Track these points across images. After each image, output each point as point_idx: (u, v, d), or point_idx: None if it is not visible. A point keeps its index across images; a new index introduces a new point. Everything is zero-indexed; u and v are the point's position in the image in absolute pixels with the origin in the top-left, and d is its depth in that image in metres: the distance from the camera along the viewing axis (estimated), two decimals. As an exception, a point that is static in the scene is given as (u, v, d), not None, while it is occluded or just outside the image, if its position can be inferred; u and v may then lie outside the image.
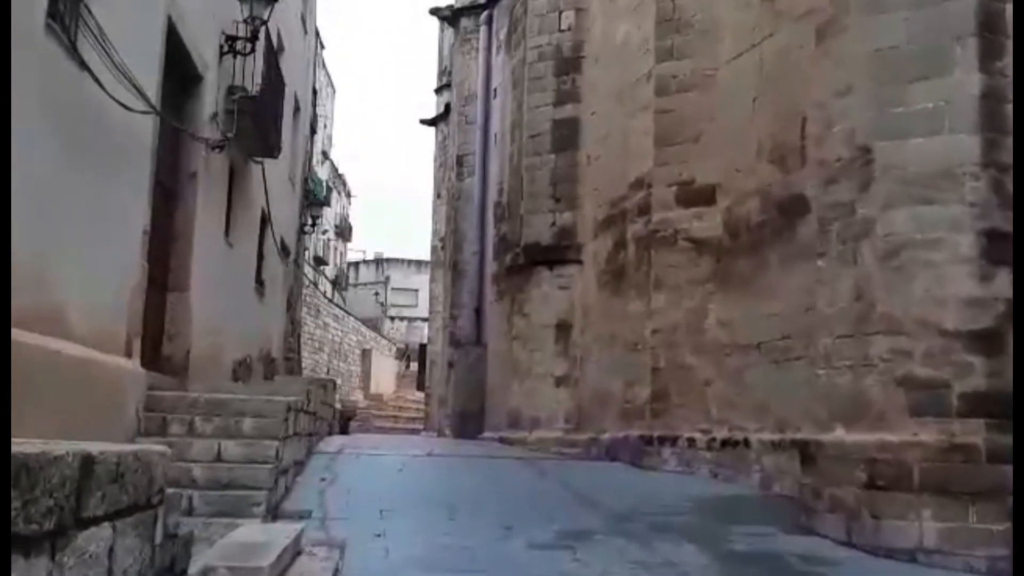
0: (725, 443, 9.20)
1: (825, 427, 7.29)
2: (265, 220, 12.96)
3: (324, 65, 41.32)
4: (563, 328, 13.03)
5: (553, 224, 13.46)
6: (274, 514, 6.30)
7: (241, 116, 9.54)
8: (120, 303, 6.52)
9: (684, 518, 6.87)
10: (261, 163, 11.63)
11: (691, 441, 9.57)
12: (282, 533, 5.00)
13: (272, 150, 11.30)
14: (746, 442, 8.88)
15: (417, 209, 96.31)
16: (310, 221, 18.79)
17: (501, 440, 13.50)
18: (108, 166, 6.17)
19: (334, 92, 45.48)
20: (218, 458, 6.15)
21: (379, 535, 5.88)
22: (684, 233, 10.09)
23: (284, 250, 15.56)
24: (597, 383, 12.15)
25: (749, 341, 9.15)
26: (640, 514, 6.93)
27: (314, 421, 9.94)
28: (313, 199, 18.85)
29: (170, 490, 3.11)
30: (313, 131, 38.38)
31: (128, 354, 6.58)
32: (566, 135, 13.62)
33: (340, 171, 48.33)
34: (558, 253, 13.27)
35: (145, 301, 7.20)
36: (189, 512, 5.63)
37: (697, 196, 10.09)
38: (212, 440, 6.26)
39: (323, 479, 7.86)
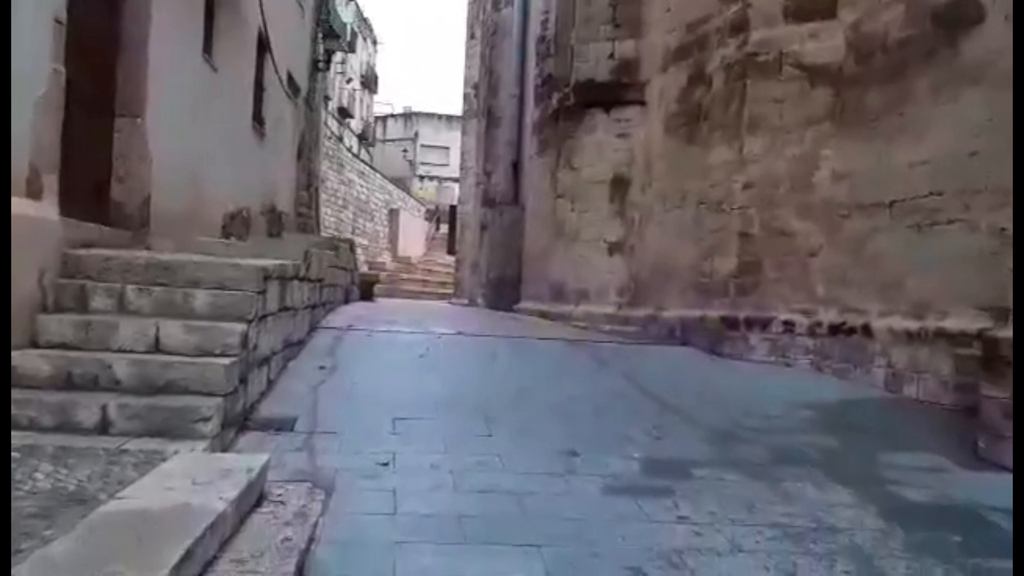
0: (835, 329, 7.21)
1: (1003, 316, 5.26)
2: (264, 44, 10.70)
3: None
4: (620, 184, 10.88)
5: (612, 56, 11.06)
6: (241, 424, 4.47)
7: None
8: (21, 123, 4.49)
9: (812, 438, 4.95)
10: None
11: (788, 325, 7.58)
12: (230, 476, 3.15)
13: (264, -53, 8.95)
14: (866, 329, 6.87)
15: (450, 61, 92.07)
16: (325, 57, 16.36)
17: (541, 315, 11.65)
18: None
19: (359, -73, 41.58)
20: (155, 347, 4.28)
21: (385, 464, 4.03)
22: (793, 57, 7.74)
23: (293, 87, 13.33)
24: (660, 251, 10.10)
25: (877, 199, 6.98)
26: (749, 430, 5.02)
27: (319, 290, 8.06)
28: (329, 31, 16.36)
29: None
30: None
31: (34, 195, 4.61)
32: (630, -55, 11.03)
33: (365, 15, 44.96)
34: (617, 92, 10.95)
35: (72, 125, 5.18)
36: (103, 430, 3.80)
37: (812, 7, 7.68)
38: (148, 320, 4.37)
39: (322, 367, 6.03)
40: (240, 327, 4.43)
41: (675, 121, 9.95)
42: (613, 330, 10.14)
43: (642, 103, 10.71)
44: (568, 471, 4.10)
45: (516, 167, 16.07)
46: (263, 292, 4.93)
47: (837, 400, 6.07)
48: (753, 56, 7.93)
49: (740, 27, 8.13)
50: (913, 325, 6.43)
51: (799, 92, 7.69)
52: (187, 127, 7.71)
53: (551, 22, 13.72)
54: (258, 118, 10.73)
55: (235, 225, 9.22)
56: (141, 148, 6.50)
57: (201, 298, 4.52)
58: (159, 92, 6.71)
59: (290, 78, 12.98)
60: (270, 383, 5.33)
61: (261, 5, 9.83)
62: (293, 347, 6.41)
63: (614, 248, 10.85)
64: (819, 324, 7.37)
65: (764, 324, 7.69)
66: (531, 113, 14.87)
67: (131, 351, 4.20)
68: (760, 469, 4.31)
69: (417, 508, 3.51)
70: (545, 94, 13.54)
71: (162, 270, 4.67)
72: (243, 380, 4.47)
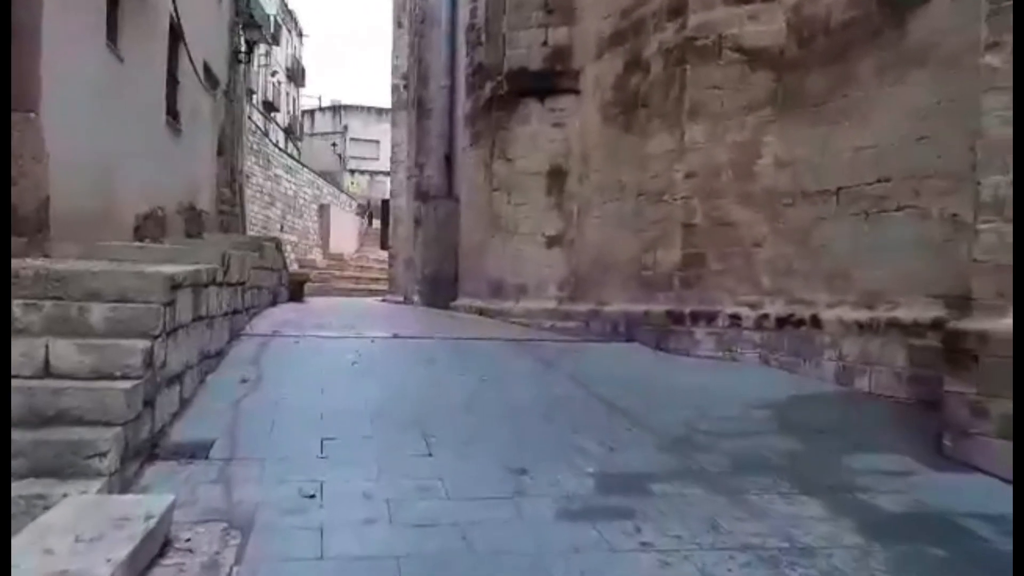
0: (782, 321, 7.00)
1: (957, 305, 5.08)
2: (176, 33, 10.03)
3: None
4: (557, 175, 10.55)
5: (545, 43, 10.71)
6: (148, 453, 3.97)
7: None
8: None
9: (771, 441, 4.69)
10: (158, -52, 8.64)
11: (734, 318, 7.35)
12: (125, 527, 2.69)
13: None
14: (814, 320, 6.68)
15: (378, 52, 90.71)
16: (246, 48, 15.63)
17: (480, 312, 11.26)
18: None
19: (279, -86, 40.36)
20: (44, 371, 3.75)
21: (311, 496, 3.59)
22: (732, 41, 7.50)
23: (211, 79, 12.63)
24: (600, 244, 9.81)
25: (822, 186, 6.78)
26: (705, 435, 4.73)
27: (240, 294, 7.52)
28: (250, 20, 15.63)
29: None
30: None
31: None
32: (561, -74, 10.68)
33: (290, 6, 43.77)
34: (551, 80, 10.60)
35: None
36: (-21, 471, 3.27)
37: (752, -11, 7.44)
38: (37, 340, 3.84)
39: (244, 380, 5.53)
40: (143, 344, 3.92)
41: (612, 110, 9.66)
42: (555, 327, 9.80)
43: (577, 92, 10.38)
44: (517, 492, 3.72)
45: (449, 160, 15.59)
46: (171, 303, 4.42)
47: (789, 396, 5.83)
48: (692, 40, 7.67)
49: (678, 10, 7.85)
50: (863, 316, 6.26)
51: (739, 77, 7.45)
52: (92, 122, 7.09)
53: (480, 9, 13.30)
54: (172, 112, 10.06)
55: (149, 227, 8.59)
56: (36, 146, 5.89)
57: (99, 312, 3.99)
58: (56, 84, 6.10)
59: (207, 69, 12.28)
60: (184, 402, 4.83)
61: (171, -10, 9.18)
62: (211, 359, 5.89)
63: (553, 241, 10.52)
64: (766, 317, 7.16)
65: (710, 318, 7.44)
66: (463, 104, 14.42)
67: (16, 376, 3.66)
68: (722, 480, 4.01)
69: (348, 548, 3.09)
70: (477, 84, 13.13)
71: (54, 282, 4.13)
72: (149, 403, 3.98)
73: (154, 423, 4.12)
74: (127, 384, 3.67)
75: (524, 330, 9.18)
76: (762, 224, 7.30)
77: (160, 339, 4.17)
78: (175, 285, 4.50)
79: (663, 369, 6.74)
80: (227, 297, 6.67)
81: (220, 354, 6.30)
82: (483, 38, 12.77)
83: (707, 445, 4.55)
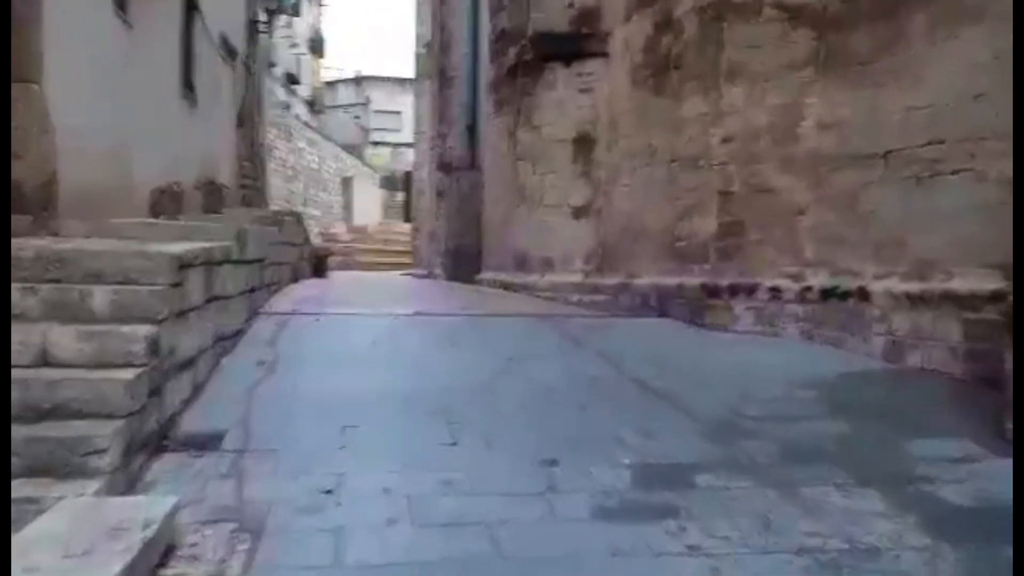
0: (827, 294, 6.62)
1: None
2: (191, 2, 9.73)
3: None
4: (584, 143, 10.16)
5: (571, 5, 10.28)
6: (156, 445, 3.73)
7: None
8: None
9: (821, 425, 4.35)
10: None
11: (775, 291, 6.97)
12: (121, 537, 2.43)
13: None
14: (862, 293, 6.29)
15: (400, 21, 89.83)
16: (264, 17, 15.29)
17: (504, 286, 10.97)
18: None
19: None
20: (42, 360, 3.50)
21: (329, 491, 3.33)
22: (772, -3, 7.06)
23: (228, 50, 12.33)
24: (629, 213, 9.43)
25: (870, 150, 6.36)
26: (749, 419, 4.40)
27: (259, 271, 7.28)
28: (266, -11, 15.29)
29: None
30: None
31: None
32: None
33: (309, -23, 43.17)
34: (577, 44, 10.18)
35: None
36: (-31, 470, 3.04)
37: (792, -59, 6.98)
38: (35, 327, 3.59)
39: (260, 362, 5.28)
40: (147, 329, 3.65)
41: (641, 73, 9.24)
42: (582, 301, 9.50)
43: (605, 55, 9.95)
44: (549, 488, 3.43)
45: (472, 130, 15.24)
46: (179, 284, 4.15)
47: (837, 374, 5.48)
48: (728, -4, 7.22)
49: (713, -35, 7.40)
50: (915, 287, 5.86)
51: (780, 35, 7.00)
52: (101, 93, 6.82)
53: (504, -28, 12.88)
54: (188, 83, 9.78)
55: (165, 202, 8.35)
56: (40, 118, 5.63)
57: (100, 296, 3.73)
58: (59, 53, 5.82)
59: (224, 40, 11.98)
60: (197, 388, 4.59)
61: (182, -44, 8.84)
62: (227, 340, 5.65)
63: (580, 212, 10.16)
64: (809, 289, 6.77)
65: (749, 291, 7.08)
66: (486, 71, 14.03)
67: (13, 366, 3.42)
68: (771, 471, 3.69)
69: (367, 555, 2.82)
70: (500, 50, 12.73)
71: (54, 263, 3.87)
72: (155, 392, 3.72)
73: (163, 412, 3.88)
74: (129, 374, 3.41)
75: (550, 305, 8.88)
76: (804, 191, 6.89)
77: (167, 323, 3.91)
78: (184, 265, 4.23)
79: (699, 346, 6.41)
80: (244, 275, 6.42)
81: (238, 334, 6.07)
82: (506, 2, 12.36)
83: (753, 430, 4.23)
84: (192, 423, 4.08)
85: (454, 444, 3.90)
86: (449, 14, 16.37)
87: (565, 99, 10.25)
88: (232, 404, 4.38)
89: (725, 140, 7.25)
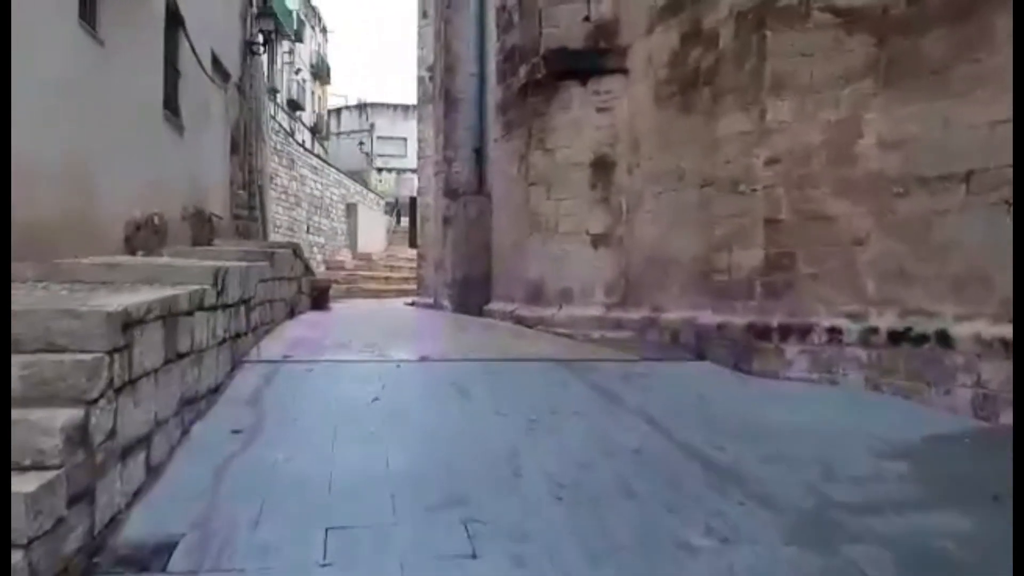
0: (897, 337, 5.73)
1: None
2: (175, 18, 8.95)
3: None
4: (602, 166, 9.37)
5: (587, 18, 9.52)
6: (84, 567, 2.84)
7: None
8: None
9: (934, 518, 3.43)
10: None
11: (833, 332, 6.09)
12: None
13: None
14: (942, 337, 5.41)
15: (404, 48, 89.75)
16: (262, 38, 14.54)
17: (517, 320, 10.11)
18: None
19: (300, -93, 39.40)
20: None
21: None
22: (823, 0, 6.23)
23: (220, 71, 11.55)
24: (654, 241, 8.62)
25: (946, 170, 5.51)
26: (842, 509, 3.49)
27: (243, 314, 6.42)
28: (264, 9, 14.56)
29: None
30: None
31: None
32: None
33: (313, 2, 42.82)
34: (594, 60, 9.42)
35: None
36: None
37: (846, -65, 6.16)
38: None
39: (237, 431, 4.40)
40: (69, 416, 2.78)
41: (666, 89, 8.45)
42: (604, 337, 8.65)
43: (625, 71, 9.20)
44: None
45: (479, 153, 14.46)
46: (123, 348, 3.28)
47: (924, 438, 4.59)
48: (773, 1, 6.39)
49: (754, -35, 6.58)
50: (1008, 331, 4.98)
51: (833, 42, 6.17)
52: (62, 114, 6.01)
53: (513, -15, 12.15)
54: (172, 106, 8.97)
55: (142, 237, 7.51)
56: (-18, 144, 4.80)
57: (13, 370, 2.88)
58: (17, 72, 4.99)
59: (216, 61, 11.21)
60: (154, 471, 3.71)
61: (163, -33, 8.05)
62: (201, 400, 4.78)
63: (599, 240, 9.35)
64: (874, 331, 5.88)
65: (803, 332, 6.19)
66: (493, 92, 13.28)
67: None
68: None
69: None
70: (508, 70, 12.00)
71: (-41, 324, 3.02)
72: (82, 496, 2.85)
73: (97, 519, 2.99)
74: (34, 483, 2.52)
75: (571, 345, 7.99)
76: (865, 217, 6.03)
77: (103, 401, 3.04)
78: (130, 323, 3.36)
79: (754, 400, 5.51)
80: (224, 321, 5.56)
81: (216, 390, 5.21)
82: (515, 18, 11.61)
83: (851, 528, 3.32)
84: (139, 526, 3.19)
85: (473, 556, 3.00)
86: (454, 34, 15.63)
87: (581, 119, 9.47)
88: (193, 495, 3.49)
89: (771, 161, 6.40)
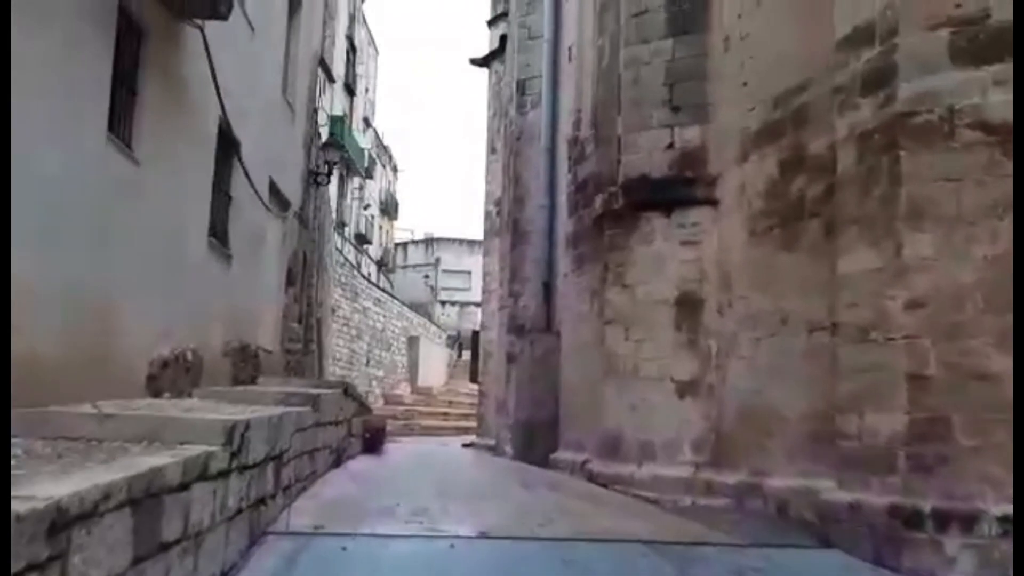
0: (1099, 535, 4.37)
1: None
2: (229, 142, 8.41)
3: (365, 21, 37.17)
4: (688, 305, 8.33)
5: (671, 146, 8.71)
6: None
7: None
8: None
9: None
10: (202, 29, 6.93)
11: (1009, 523, 4.74)
12: None
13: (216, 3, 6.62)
14: None
15: (471, 185, 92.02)
16: (326, 169, 14.18)
17: (589, 476, 8.91)
18: None
19: (376, 53, 41.11)
20: None
21: None
22: (972, 114, 5.21)
23: (278, 199, 11.04)
24: (750, 392, 7.46)
25: None
26: None
27: (273, 473, 5.39)
28: (330, 140, 14.28)
29: None
30: (352, 92, 34.15)
31: None
32: (688, 9, 8.89)
33: (385, 142, 43.98)
34: (679, 190, 8.55)
35: None
36: None
37: (997, 43, 5.21)
38: None
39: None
40: None
41: (763, 222, 7.49)
42: (695, 504, 7.42)
43: (714, 203, 8.30)
44: None
45: (548, 288, 13.59)
46: (51, 559, 2.25)
47: None
48: (906, 117, 5.40)
49: (881, 80, 5.62)
50: None
51: (986, 164, 5.13)
52: (80, 238, 5.27)
53: (585, 118, 11.63)
54: (219, 233, 8.31)
55: (169, 375, 6.64)
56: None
57: None
58: (29, 195, 4.27)
59: (274, 189, 10.70)
60: None
61: (217, 88, 7.49)
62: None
63: (685, 388, 8.20)
64: (1065, 524, 4.55)
65: (966, 521, 4.84)
66: (564, 225, 12.55)
67: None
68: None
69: None
70: (580, 202, 11.32)
71: None
72: None
73: None
74: None
75: (659, 517, 6.74)
76: (1039, 377, 4.79)
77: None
78: (65, 523, 2.34)
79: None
80: (239, 488, 4.52)
81: (223, 578, 4.11)
82: (587, 150, 11.02)
83: None
84: None
85: None
86: (523, 166, 15.13)
87: (664, 254, 8.52)
88: None
89: (912, 305, 5.24)
